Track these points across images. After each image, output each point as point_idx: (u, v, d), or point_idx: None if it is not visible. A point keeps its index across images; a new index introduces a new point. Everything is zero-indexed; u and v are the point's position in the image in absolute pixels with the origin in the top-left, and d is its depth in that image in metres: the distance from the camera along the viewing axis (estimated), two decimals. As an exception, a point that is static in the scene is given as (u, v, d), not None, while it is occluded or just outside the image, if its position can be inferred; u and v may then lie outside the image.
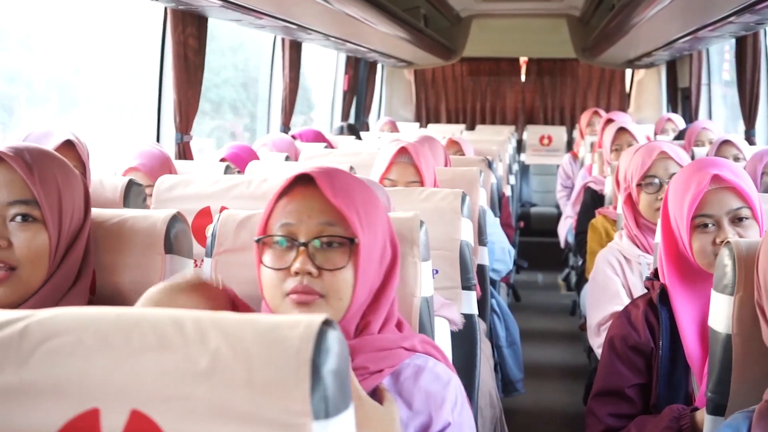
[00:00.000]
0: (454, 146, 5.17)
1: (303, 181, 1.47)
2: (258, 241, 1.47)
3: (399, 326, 1.55)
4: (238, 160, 3.94)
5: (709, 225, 1.97)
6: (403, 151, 2.97)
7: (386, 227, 1.51)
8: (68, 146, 2.56)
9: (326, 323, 0.90)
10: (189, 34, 4.22)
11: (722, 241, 1.90)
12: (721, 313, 1.53)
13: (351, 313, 1.44)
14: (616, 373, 2.04)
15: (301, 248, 1.41)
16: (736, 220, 1.98)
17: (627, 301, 2.65)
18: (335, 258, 1.42)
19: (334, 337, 0.89)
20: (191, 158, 4.30)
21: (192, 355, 0.88)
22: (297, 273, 1.41)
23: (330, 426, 0.86)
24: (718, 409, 1.54)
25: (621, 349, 2.04)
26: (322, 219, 1.43)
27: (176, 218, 1.78)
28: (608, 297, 2.75)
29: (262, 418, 0.86)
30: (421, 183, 2.94)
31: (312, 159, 4.12)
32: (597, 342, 2.68)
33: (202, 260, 1.89)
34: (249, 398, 0.86)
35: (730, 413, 1.50)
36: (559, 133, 9.44)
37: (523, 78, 11.03)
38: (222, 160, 3.99)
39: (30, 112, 4.91)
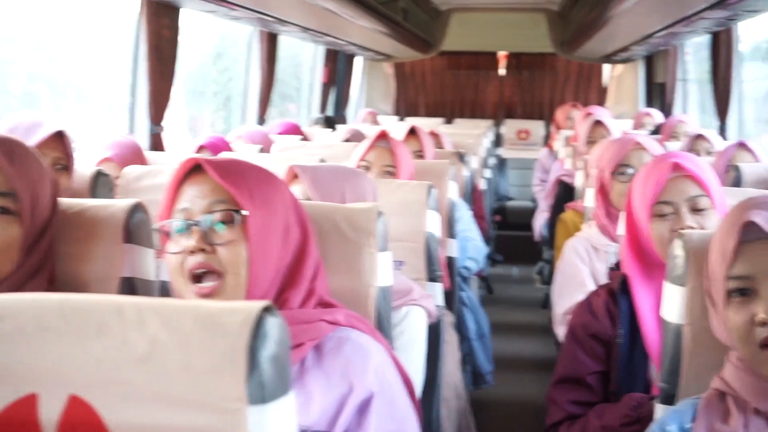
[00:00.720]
0: (435, 139, 5.20)
1: (197, 169, 1.52)
2: (158, 230, 1.52)
3: (327, 307, 1.56)
4: (215, 149, 3.94)
5: (668, 213, 2.00)
6: (383, 135, 3.02)
7: (289, 206, 1.54)
8: (57, 137, 2.55)
9: (267, 309, 0.91)
10: (163, 25, 4.21)
11: (681, 228, 1.94)
12: (673, 304, 1.55)
13: (257, 289, 1.47)
14: (577, 360, 2.06)
15: (194, 227, 1.47)
16: (696, 209, 2.01)
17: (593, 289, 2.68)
18: (227, 234, 1.47)
19: (273, 324, 0.90)
20: (164, 149, 4.29)
21: (130, 341, 0.88)
22: (192, 252, 1.45)
23: (266, 411, 0.87)
24: (668, 398, 1.56)
25: (582, 337, 2.07)
26: (213, 198, 1.48)
27: (137, 208, 1.78)
28: (574, 286, 2.77)
29: (198, 403, 0.87)
30: (397, 170, 2.97)
31: (285, 151, 4.12)
32: (562, 330, 2.70)
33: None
34: (186, 383, 0.87)
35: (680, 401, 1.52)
36: (536, 127, 9.48)
37: (502, 72, 11.06)
38: (201, 147, 3.98)
39: (51, 108, 5.07)
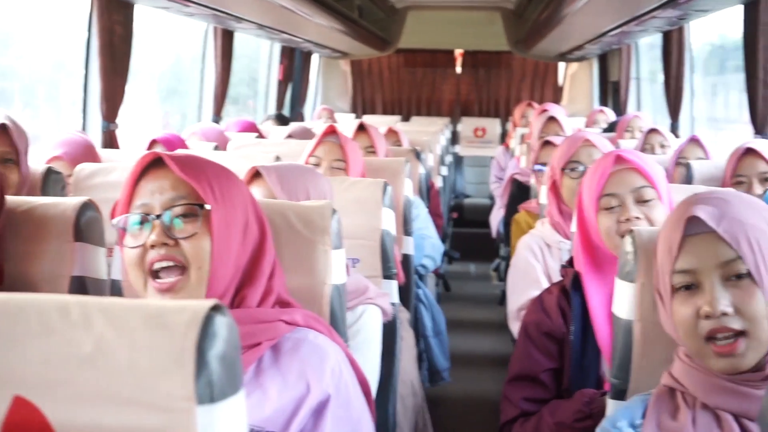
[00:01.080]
0: (393, 136, 5.23)
1: (156, 164, 1.51)
2: (116, 225, 1.49)
3: (285, 306, 1.55)
4: (169, 145, 3.91)
5: (614, 206, 2.03)
6: (332, 130, 3.02)
7: (247, 203, 1.54)
8: (2, 131, 2.50)
9: (215, 308, 0.90)
10: (115, 21, 4.16)
11: (627, 219, 1.97)
12: (624, 300, 1.56)
13: (218, 285, 1.46)
14: (531, 358, 2.08)
15: (155, 221, 1.45)
16: (641, 200, 2.04)
17: (547, 286, 2.70)
18: (189, 227, 1.45)
19: (222, 323, 0.90)
20: (117, 147, 4.25)
21: (76, 340, 0.87)
22: (153, 246, 1.43)
23: (215, 410, 0.86)
24: (619, 393, 1.58)
25: (535, 334, 2.08)
26: (174, 194, 1.47)
27: (87, 206, 1.76)
28: (528, 282, 2.79)
29: (146, 403, 0.86)
30: (347, 165, 2.97)
31: (240, 148, 4.10)
32: (516, 327, 2.71)
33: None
34: (133, 383, 0.86)
35: (631, 397, 1.53)
36: (492, 125, 9.53)
37: (458, 70, 11.11)
38: (154, 141, 3.95)
39: (22, 104, 5.13)
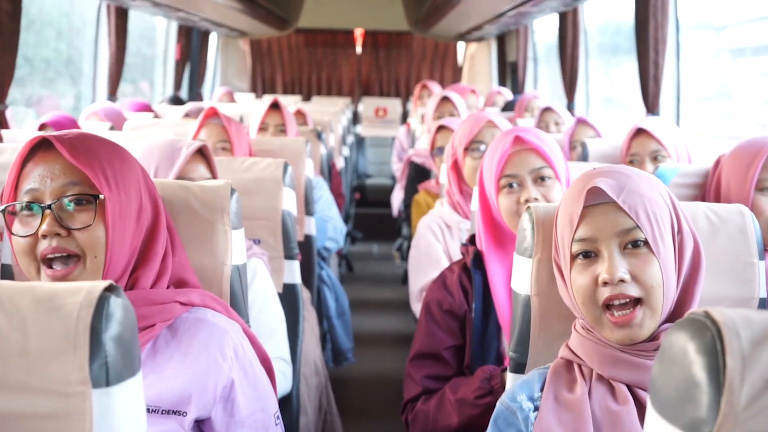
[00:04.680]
0: (300, 117, 5.19)
1: (45, 146, 1.44)
2: (3, 211, 1.43)
3: (182, 286, 1.53)
4: (59, 128, 3.80)
5: (514, 185, 2.06)
6: (213, 113, 2.99)
7: (141, 183, 1.50)
8: None
9: (110, 289, 0.88)
10: (2, -3, 3.99)
11: (526, 200, 2.00)
12: (522, 275, 1.59)
13: (114, 271, 1.43)
14: (433, 336, 2.09)
15: (47, 211, 1.39)
16: (539, 179, 2.07)
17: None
18: (82, 216, 1.40)
19: (117, 304, 0.88)
20: (7, 127, 4.09)
21: (-38, 326, 0.84)
22: (45, 236, 1.38)
23: (111, 394, 0.85)
24: (518, 367, 1.60)
25: (437, 313, 2.10)
26: (65, 180, 1.41)
27: (-26, 188, 1.69)
28: (429, 263, 2.81)
29: (38, 388, 0.83)
30: (231, 146, 2.95)
31: (137, 129, 4.01)
32: (418, 307, 2.73)
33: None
34: (24, 368, 0.83)
35: (530, 371, 1.56)
36: (394, 105, 9.56)
37: (359, 50, 11.10)
38: (42, 126, 3.84)
39: None
